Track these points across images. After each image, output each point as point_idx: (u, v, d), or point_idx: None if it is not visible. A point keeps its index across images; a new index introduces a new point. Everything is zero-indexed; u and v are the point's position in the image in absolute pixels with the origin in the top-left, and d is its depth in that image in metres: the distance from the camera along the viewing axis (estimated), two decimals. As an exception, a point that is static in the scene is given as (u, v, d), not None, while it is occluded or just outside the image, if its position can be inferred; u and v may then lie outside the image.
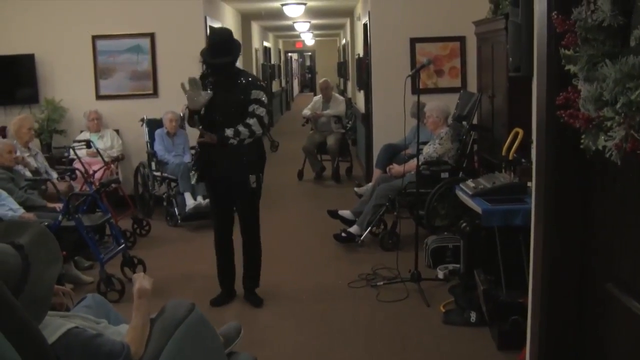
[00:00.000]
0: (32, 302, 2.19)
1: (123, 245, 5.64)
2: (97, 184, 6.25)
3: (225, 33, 4.96)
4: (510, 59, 5.13)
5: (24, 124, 6.49)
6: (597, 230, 2.60)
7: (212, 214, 5.28)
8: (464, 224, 4.86)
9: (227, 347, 3.11)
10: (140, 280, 2.73)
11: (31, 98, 8.26)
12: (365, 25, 9.37)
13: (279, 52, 26.13)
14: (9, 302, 2.08)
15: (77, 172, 6.44)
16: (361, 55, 10.95)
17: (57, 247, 2.44)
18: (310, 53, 34.46)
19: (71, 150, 7.19)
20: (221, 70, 4.81)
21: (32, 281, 2.21)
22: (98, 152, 7.37)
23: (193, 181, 5.26)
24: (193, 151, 8.06)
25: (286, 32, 21.54)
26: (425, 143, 6.43)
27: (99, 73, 8.34)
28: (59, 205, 5.68)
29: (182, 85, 4.68)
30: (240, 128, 4.73)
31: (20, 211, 5.32)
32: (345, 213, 6.76)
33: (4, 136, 7.26)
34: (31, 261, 2.22)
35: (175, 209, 7.46)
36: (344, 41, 19.55)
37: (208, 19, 8.70)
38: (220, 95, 4.77)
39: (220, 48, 4.75)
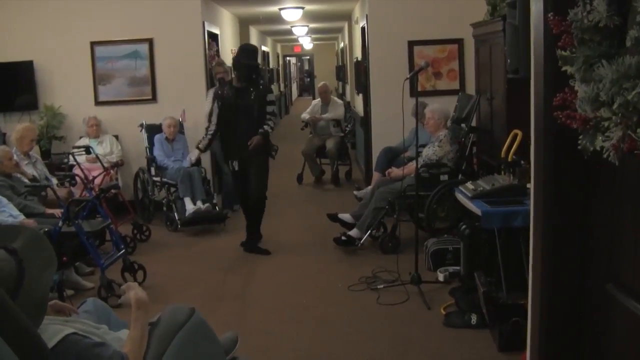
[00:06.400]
0: (28, 308, 2.16)
1: (123, 251, 5.64)
2: (96, 189, 6.24)
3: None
4: (509, 60, 5.14)
5: (27, 134, 6.46)
6: (597, 231, 2.60)
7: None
8: (464, 226, 4.86)
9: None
10: (136, 291, 2.66)
11: (30, 104, 8.26)
12: (363, 29, 9.37)
13: (278, 56, 26.18)
14: (9, 307, 2.07)
15: (77, 178, 6.45)
16: (359, 58, 10.96)
17: (51, 250, 2.41)
18: (308, 57, 34.52)
19: (70, 157, 7.20)
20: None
21: (27, 286, 2.18)
22: (97, 157, 7.37)
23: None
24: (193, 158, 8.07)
25: (284, 36, 21.55)
26: (424, 145, 6.43)
27: (98, 79, 8.34)
28: (57, 211, 5.68)
29: None
30: None
31: (21, 217, 5.32)
32: (345, 216, 6.76)
33: (3, 142, 7.26)
34: (25, 266, 2.19)
35: (175, 214, 7.47)
36: (342, 45, 19.55)
37: (206, 24, 8.72)
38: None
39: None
